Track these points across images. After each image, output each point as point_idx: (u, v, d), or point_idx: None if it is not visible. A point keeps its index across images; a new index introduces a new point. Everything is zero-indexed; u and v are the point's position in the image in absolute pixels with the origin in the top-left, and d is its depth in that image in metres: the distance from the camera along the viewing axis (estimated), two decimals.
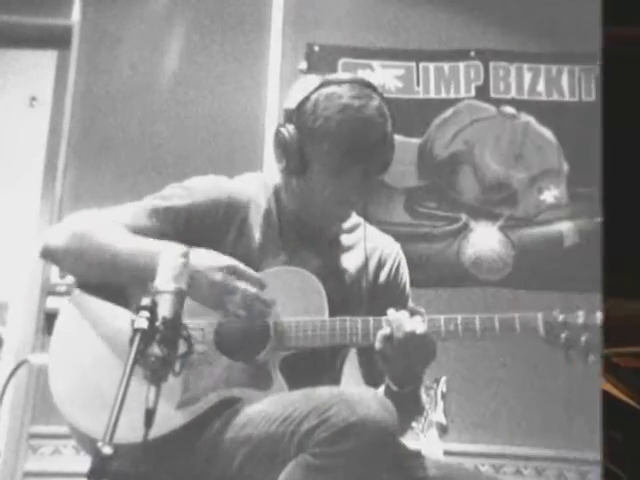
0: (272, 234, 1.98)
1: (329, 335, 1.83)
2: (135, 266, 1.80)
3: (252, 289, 1.80)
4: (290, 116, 1.92)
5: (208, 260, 1.79)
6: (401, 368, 1.80)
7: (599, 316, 1.80)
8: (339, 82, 1.91)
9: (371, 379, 1.97)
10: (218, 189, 1.98)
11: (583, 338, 1.79)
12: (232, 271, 1.79)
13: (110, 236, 1.86)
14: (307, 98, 1.90)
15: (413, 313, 1.80)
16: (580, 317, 1.81)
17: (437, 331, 1.82)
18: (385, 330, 1.79)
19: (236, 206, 1.96)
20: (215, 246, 1.91)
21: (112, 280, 1.86)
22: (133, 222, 1.91)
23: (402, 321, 1.77)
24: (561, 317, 1.81)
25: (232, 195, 1.97)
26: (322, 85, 1.91)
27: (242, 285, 1.79)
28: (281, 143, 1.92)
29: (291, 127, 1.91)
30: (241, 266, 1.81)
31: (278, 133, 1.93)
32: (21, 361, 3.05)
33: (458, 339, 1.84)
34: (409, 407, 1.90)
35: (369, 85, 1.94)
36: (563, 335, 1.80)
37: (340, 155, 1.87)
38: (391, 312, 1.81)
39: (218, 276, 1.78)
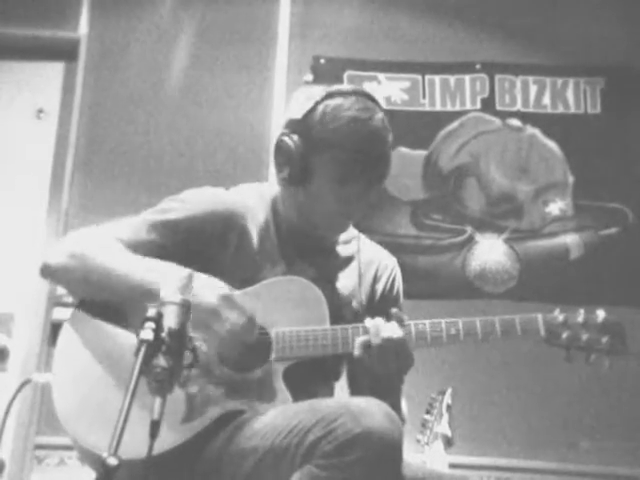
0: (270, 244, 1.98)
1: (331, 344, 1.83)
2: (133, 288, 1.80)
3: (238, 323, 1.78)
4: (295, 126, 1.92)
5: (206, 285, 1.78)
6: (380, 376, 1.80)
7: (600, 314, 1.81)
8: (344, 94, 1.92)
9: (356, 390, 1.96)
10: (216, 201, 1.98)
11: (584, 337, 1.80)
12: (226, 300, 1.79)
13: (109, 257, 1.86)
14: (313, 109, 1.90)
15: (398, 319, 1.80)
16: (580, 316, 1.82)
17: (439, 336, 1.82)
18: (363, 337, 1.80)
19: (234, 217, 1.96)
20: (215, 257, 1.92)
21: (110, 300, 1.86)
22: (133, 237, 1.91)
23: (379, 327, 1.78)
24: (561, 317, 1.83)
25: (230, 206, 1.97)
26: (327, 96, 1.91)
27: (233, 315, 1.78)
28: (284, 152, 1.92)
29: (295, 136, 1.91)
30: (235, 297, 1.80)
31: (281, 142, 1.93)
32: (24, 380, 3.06)
33: (459, 343, 1.84)
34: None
35: (371, 98, 1.95)
36: (564, 335, 1.81)
37: (346, 166, 1.88)
38: (368, 319, 1.82)
39: (212, 300, 1.77)
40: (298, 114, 1.92)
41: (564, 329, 1.81)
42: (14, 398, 2.99)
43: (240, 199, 2.01)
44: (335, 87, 1.95)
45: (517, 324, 1.82)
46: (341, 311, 1.94)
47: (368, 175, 1.91)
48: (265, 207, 2.02)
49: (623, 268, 3.84)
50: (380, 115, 1.91)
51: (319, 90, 1.94)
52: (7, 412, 2.98)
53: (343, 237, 2.07)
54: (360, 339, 1.80)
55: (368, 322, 1.81)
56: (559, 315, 1.83)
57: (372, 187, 1.94)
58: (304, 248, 2.00)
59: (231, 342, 1.81)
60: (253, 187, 2.10)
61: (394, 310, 1.82)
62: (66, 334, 1.89)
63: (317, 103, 1.91)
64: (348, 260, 2.06)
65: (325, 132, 1.88)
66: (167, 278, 1.50)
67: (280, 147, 1.93)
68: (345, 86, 1.99)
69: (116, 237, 1.90)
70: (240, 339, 1.80)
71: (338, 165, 1.88)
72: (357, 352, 1.80)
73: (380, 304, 2.03)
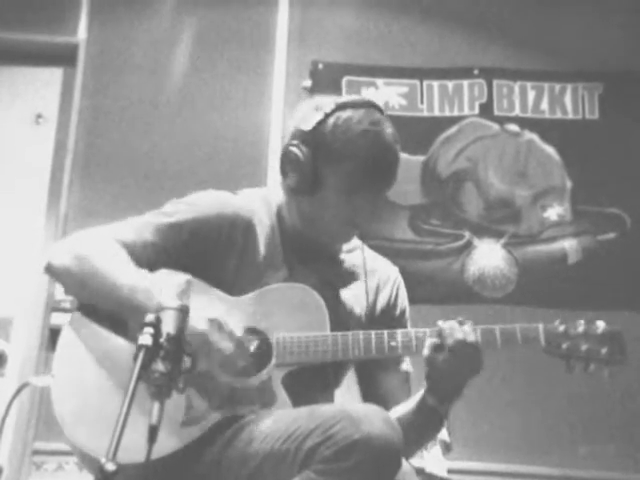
0: (274, 249, 1.98)
1: (331, 350, 1.84)
2: (132, 300, 1.77)
3: (228, 350, 1.75)
4: (304, 137, 1.91)
5: (199, 307, 1.71)
6: (447, 377, 1.80)
7: (600, 325, 1.82)
8: (354, 106, 1.92)
9: (371, 399, 1.96)
10: (222, 204, 1.98)
11: (584, 347, 1.80)
12: (217, 325, 1.75)
13: (112, 264, 1.84)
14: (323, 120, 1.90)
15: (462, 323, 1.81)
16: (580, 327, 1.82)
17: None
18: (434, 339, 1.80)
19: (240, 221, 1.96)
20: (218, 261, 1.92)
21: (109, 308, 1.85)
22: (137, 240, 1.90)
23: (454, 329, 1.79)
24: (562, 327, 1.83)
25: (236, 210, 1.97)
26: (338, 108, 1.91)
27: (221, 344, 1.74)
28: (293, 162, 1.91)
29: (304, 148, 1.90)
30: (225, 322, 1.76)
31: (289, 152, 1.92)
32: (23, 384, 3.06)
33: None
34: (435, 426, 1.92)
35: (380, 109, 1.96)
36: (564, 345, 1.81)
37: (357, 177, 1.88)
38: (441, 322, 1.82)
39: (202, 325, 1.74)
40: (307, 125, 1.91)
41: (564, 339, 1.81)
42: (12, 401, 2.99)
43: (246, 203, 2.01)
44: (344, 99, 1.96)
45: (518, 333, 1.82)
46: (343, 318, 1.95)
47: (377, 186, 1.93)
48: (270, 212, 2.03)
49: (621, 273, 3.85)
50: (390, 129, 1.92)
51: (328, 101, 1.93)
52: (5, 415, 2.98)
53: (346, 246, 2.07)
54: (430, 340, 1.80)
55: (442, 323, 1.81)
56: (559, 325, 1.83)
57: (379, 197, 1.95)
58: (308, 254, 2.00)
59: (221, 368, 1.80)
60: (258, 192, 2.10)
61: (460, 319, 1.83)
62: (66, 337, 1.89)
63: (327, 115, 1.90)
64: (351, 269, 2.06)
65: (337, 144, 1.88)
66: (169, 282, 1.50)
67: (288, 157, 1.92)
68: (354, 97, 1.99)
69: (120, 240, 1.89)
70: (230, 367, 1.78)
71: (348, 176, 1.89)
72: (427, 352, 1.80)
73: (384, 314, 2.04)
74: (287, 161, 1.93)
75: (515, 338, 1.82)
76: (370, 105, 1.95)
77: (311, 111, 1.93)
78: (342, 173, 1.89)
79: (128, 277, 1.81)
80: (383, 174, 1.92)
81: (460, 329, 1.79)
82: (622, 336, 1.83)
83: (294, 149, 1.91)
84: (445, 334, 1.79)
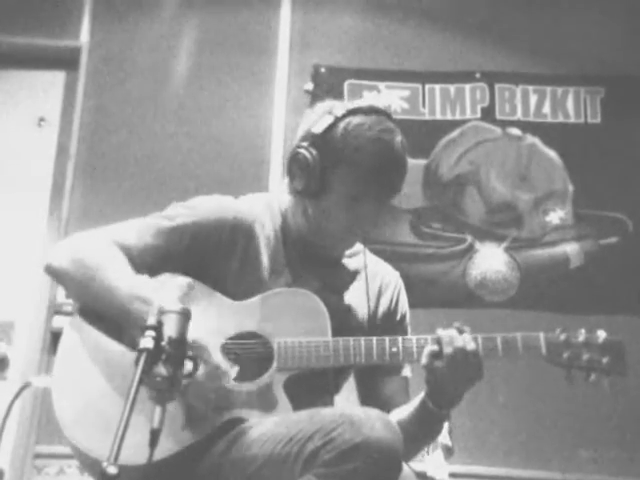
0: (276, 254, 1.98)
1: (333, 355, 1.84)
2: (130, 309, 1.76)
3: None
4: (313, 140, 1.91)
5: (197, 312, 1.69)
6: (446, 385, 1.81)
7: (601, 335, 1.82)
8: (365, 112, 1.92)
9: (370, 403, 1.95)
10: (223, 208, 1.98)
11: (585, 357, 1.80)
12: (199, 351, 1.71)
13: (110, 270, 1.84)
14: (334, 125, 1.90)
15: (461, 331, 1.81)
16: (581, 336, 1.82)
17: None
18: (432, 347, 1.80)
19: (241, 225, 1.96)
20: (220, 265, 1.93)
21: (107, 315, 1.84)
22: (138, 243, 1.91)
23: (453, 337, 1.79)
24: (563, 336, 1.83)
25: (237, 214, 1.97)
26: (349, 113, 1.91)
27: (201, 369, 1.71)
28: (302, 164, 1.91)
29: (313, 150, 1.90)
30: (208, 353, 1.72)
31: (298, 154, 1.92)
32: (24, 384, 3.06)
33: None
34: (435, 429, 1.93)
35: (390, 117, 1.96)
36: (565, 354, 1.81)
37: (364, 184, 1.89)
38: (440, 330, 1.82)
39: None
40: (318, 128, 1.91)
41: (565, 348, 1.82)
42: (14, 401, 2.99)
43: (248, 207, 2.01)
44: (357, 104, 1.95)
45: (519, 342, 1.83)
46: (345, 323, 1.95)
47: (382, 195, 1.93)
48: (273, 217, 2.03)
49: (623, 277, 3.84)
50: (400, 137, 1.92)
51: (339, 106, 1.93)
52: (7, 415, 2.98)
53: (349, 250, 2.08)
54: (428, 348, 1.81)
55: (441, 332, 1.81)
56: (561, 334, 1.84)
57: (383, 206, 1.96)
58: (310, 259, 2.00)
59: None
60: (262, 196, 2.10)
61: (457, 324, 1.83)
62: (68, 338, 1.89)
63: (338, 119, 1.90)
64: (353, 273, 2.06)
65: (346, 149, 1.88)
66: (171, 285, 1.50)
67: (297, 159, 1.92)
68: (366, 104, 1.98)
69: (120, 242, 1.90)
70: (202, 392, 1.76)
71: (354, 183, 1.89)
72: (425, 360, 1.80)
73: (385, 319, 2.04)
74: (295, 163, 1.93)
75: (516, 346, 1.83)
76: (381, 112, 1.95)
77: (322, 114, 1.93)
78: (348, 179, 1.89)
79: (125, 283, 1.81)
80: (389, 183, 1.93)
81: (460, 337, 1.79)
82: (623, 346, 1.83)
83: (303, 151, 1.91)
84: (444, 342, 1.79)
